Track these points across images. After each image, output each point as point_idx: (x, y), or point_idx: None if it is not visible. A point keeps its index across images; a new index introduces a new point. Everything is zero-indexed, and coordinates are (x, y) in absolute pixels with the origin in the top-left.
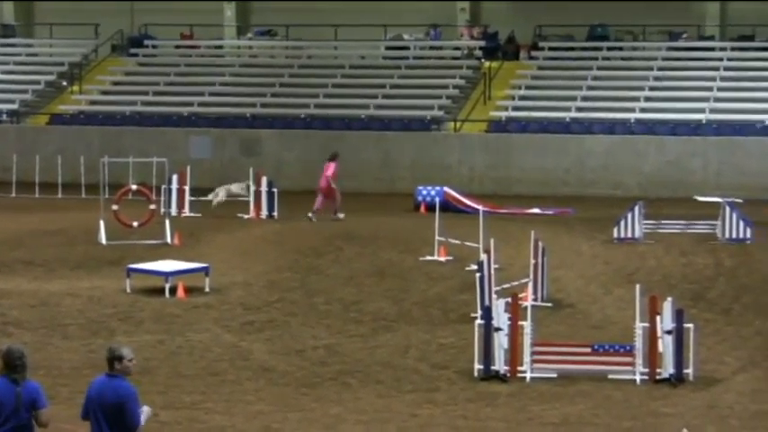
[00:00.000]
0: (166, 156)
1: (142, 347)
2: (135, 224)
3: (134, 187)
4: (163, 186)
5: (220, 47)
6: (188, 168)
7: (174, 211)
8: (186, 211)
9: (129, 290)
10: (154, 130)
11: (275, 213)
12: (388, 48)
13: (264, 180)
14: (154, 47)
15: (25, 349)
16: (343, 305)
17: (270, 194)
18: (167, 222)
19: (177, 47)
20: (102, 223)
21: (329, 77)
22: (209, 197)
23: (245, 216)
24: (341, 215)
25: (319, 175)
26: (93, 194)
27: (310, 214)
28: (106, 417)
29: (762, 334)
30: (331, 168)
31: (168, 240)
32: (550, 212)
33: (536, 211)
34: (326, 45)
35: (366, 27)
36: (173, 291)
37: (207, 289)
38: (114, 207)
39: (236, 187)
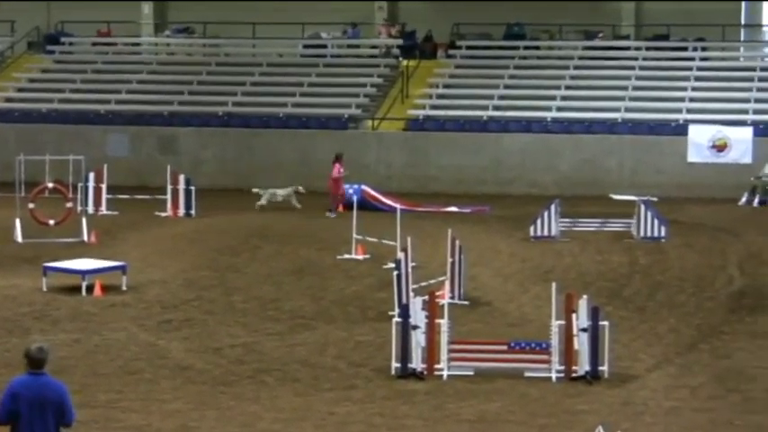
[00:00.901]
0: (83, 153)
1: (58, 346)
2: (51, 222)
3: (50, 185)
4: (80, 184)
5: (138, 44)
6: (105, 166)
7: (90, 209)
8: (103, 210)
9: (45, 288)
10: (71, 127)
11: (193, 211)
12: (305, 46)
13: (182, 178)
14: (71, 44)
15: None
16: (261, 303)
17: (187, 192)
18: (84, 220)
19: (94, 44)
20: (18, 221)
21: (247, 75)
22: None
23: (163, 214)
24: (332, 214)
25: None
26: (9, 192)
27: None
28: (47, 415)
29: (676, 331)
30: (334, 169)
31: (85, 238)
32: (467, 210)
33: (453, 209)
34: (244, 43)
35: (284, 25)
36: (89, 289)
37: (124, 287)
38: (30, 205)
39: (282, 192)
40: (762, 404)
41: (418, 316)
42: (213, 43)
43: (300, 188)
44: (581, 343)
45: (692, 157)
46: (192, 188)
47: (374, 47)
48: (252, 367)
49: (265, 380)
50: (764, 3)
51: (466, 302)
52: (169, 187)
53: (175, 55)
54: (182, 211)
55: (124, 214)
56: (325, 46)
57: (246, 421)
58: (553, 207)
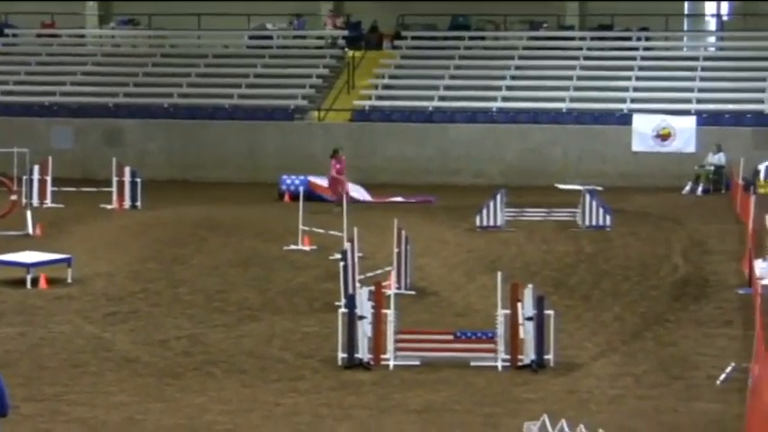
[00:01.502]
0: (28, 146)
1: (3, 340)
2: None
3: None
4: (24, 177)
5: (82, 36)
6: (50, 159)
7: (35, 201)
8: (48, 202)
9: None
10: (15, 119)
11: (138, 204)
12: (251, 37)
13: (127, 170)
14: (14, 36)
15: None
16: (207, 295)
17: (133, 184)
18: (29, 213)
19: (38, 36)
20: None
21: (192, 67)
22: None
23: (109, 207)
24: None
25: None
26: None
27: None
28: None
29: (620, 319)
30: (333, 168)
31: (30, 231)
32: (413, 200)
33: (399, 199)
34: (189, 34)
35: (229, 16)
36: (34, 282)
37: (69, 280)
38: None
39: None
40: (705, 391)
41: (364, 306)
42: (158, 35)
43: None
44: (526, 332)
45: (637, 146)
46: (138, 180)
47: (320, 38)
48: (198, 359)
49: (212, 371)
50: None
51: (412, 293)
52: (115, 179)
53: (120, 47)
54: (127, 204)
55: (69, 207)
56: (270, 37)
57: (193, 413)
58: (499, 197)
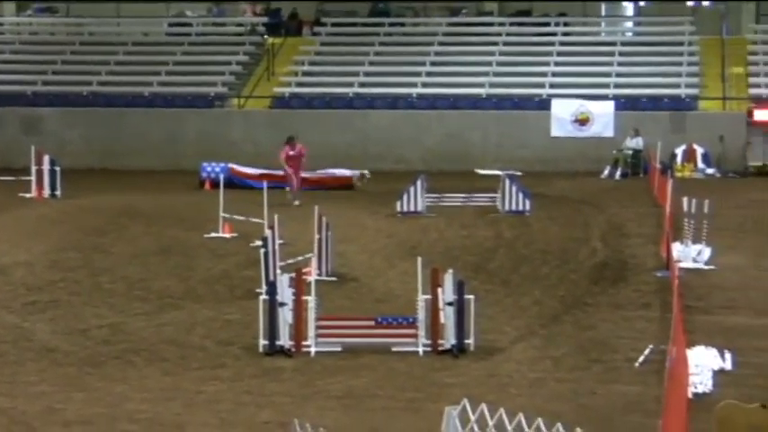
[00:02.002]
0: None
1: None
2: None
3: None
4: None
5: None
6: None
7: None
8: None
9: None
10: None
11: (58, 192)
12: (170, 24)
13: (47, 159)
14: None
15: None
16: (128, 284)
17: (52, 173)
18: None
19: None
20: None
21: (111, 54)
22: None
23: (28, 195)
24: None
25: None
26: None
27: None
28: None
29: (540, 303)
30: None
31: None
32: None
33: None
34: (108, 22)
35: (148, 3)
36: None
37: None
38: None
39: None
40: (624, 374)
41: (285, 293)
42: (77, 22)
43: (366, 173)
44: (447, 317)
45: (556, 131)
46: (57, 169)
47: (239, 25)
48: (119, 348)
49: (133, 360)
50: None
51: (333, 279)
52: (33, 168)
53: (38, 35)
54: (47, 192)
55: None
56: (190, 24)
57: (114, 402)
58: (419, 182)
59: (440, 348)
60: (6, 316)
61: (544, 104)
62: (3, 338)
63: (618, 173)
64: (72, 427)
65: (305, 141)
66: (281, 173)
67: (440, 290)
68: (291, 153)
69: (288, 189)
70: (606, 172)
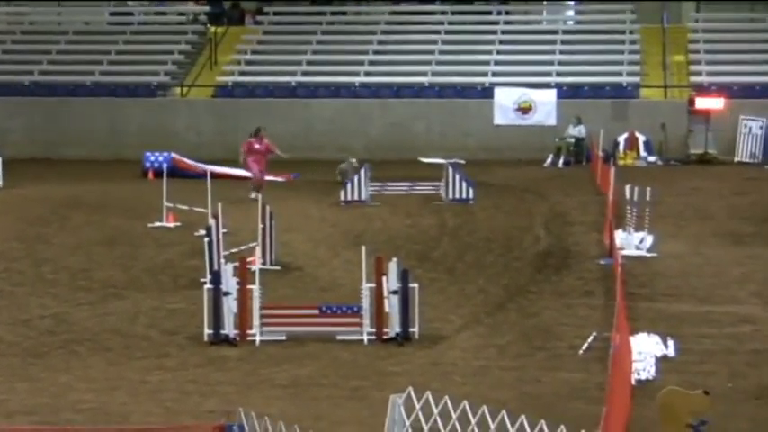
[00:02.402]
0: None
1: None
2: None
3: None
4: None
5: None
6: None
7: None
8: None
9: None
10: None
11: (0, 182)
12: (112, 13)
13: None
14: None
15: None
16: (71, 273)
17: None
18: None
19: None
20: None
21: (53, 44)
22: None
23: None
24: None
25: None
26: None
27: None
28: None
29: (484, 292)
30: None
31: None
32: (281, 179)
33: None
34: (49, 11)
35: None
36: None
37: None
38: None
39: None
40: (567, 361)
41: (230, 282)
42: (17, 11)
43: (353, 160)
44: (391, 305)
45: (499, 119)
46: (0, 159)
47: (181, 14)
48: (62, 338)
49: (77, 350)
50: None
51: (277, 268)
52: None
53: None
54: None
55: None
56: (132, 13)
57: (58, 392)
58: (363, 171)
59: (384, 337)
60: None
61: (487, 93)
62: None
63: (561, 161)
64: (16, 417)
65: (247, 131)
66: (223, 170)
67: (384, 278)
68: (257, 147)
69: (251, 181)
70: (549, 160)
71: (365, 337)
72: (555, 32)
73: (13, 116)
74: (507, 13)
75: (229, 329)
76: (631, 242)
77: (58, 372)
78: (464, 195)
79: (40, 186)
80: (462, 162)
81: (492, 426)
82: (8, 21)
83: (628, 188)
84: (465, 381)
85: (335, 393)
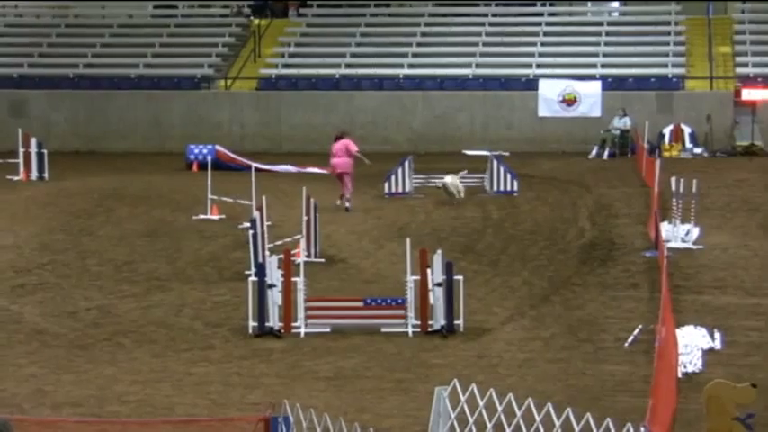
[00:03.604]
0: None
1: None
2: None
3: None
4: None
5: None
6: None
7: None
8: None
9: None
10: None
11: (45, 175)
12: (156, 6)
13: (33, 141)
14: None
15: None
16: (116, 266)
17: (39, 156)
18: None
19: None
20: None
21: (97, 37)
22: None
23: (15, 178)
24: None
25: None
26: None
27: (344, 203)
28: None
29: (529, 284)
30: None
31: None
32: (323, 172)
33: (315, 170)
34: (94, 4)
35: None
36: None
37: None
38: None
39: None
40: (613, 353)
41: (274, 275)
42: (62, 5)
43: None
44: (436, 297)
45: (543, 111)
46: (44, 151)
47: (225, 6)
48: (107, 330)
49: (121, 342)
50: None
51: (321, 260)
52: (21, 151)
53: (24, 17)
54: (34, 175)
55: None
56: (175, 6)
57: (103, 384)
58: (406, 164)
59: (429, 329)
60: None
61: (531, 85)
62: None
63: (606, 153)
64: (62, 409)
65: (290, 123)
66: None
67: (428, 270)
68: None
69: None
70: (594, 152)
71: (410, 330)
72: (600, 24)
73: (57, 109)
74: (552, 4)
75: (274, 322)
76: (677, 234)
77: (103, 364)
78: (508, 187)
79: (84, 179)
80: (506, 154)
81: (537, 418)
82: (53, 14)
83: (673, 180)
84: (510, 373)
85: (380, 386)
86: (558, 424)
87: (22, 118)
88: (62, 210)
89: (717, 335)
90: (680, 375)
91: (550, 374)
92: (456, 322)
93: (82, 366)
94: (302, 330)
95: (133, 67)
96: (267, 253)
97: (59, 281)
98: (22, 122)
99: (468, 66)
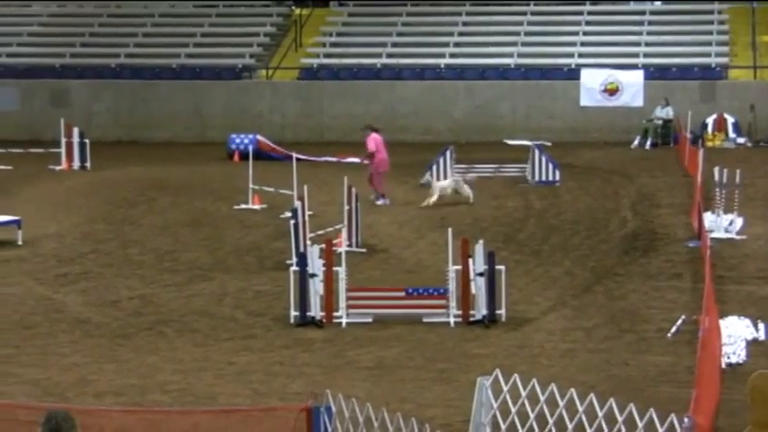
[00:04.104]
0: None
1: None
2: None
3: None
4: None
5: None
6: None
7: None
8: None
9: None
10: None
11: (87, 164)
12: None
13: (76, 131)
14: None
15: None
16: (158, 255)
17: (81, 145)
18: None
19: None
20: None
21: (139, 27)
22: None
23: (57, 168)
24: (380, 201)
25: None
26: None
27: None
28: None
29: (571, 274)
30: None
31: None
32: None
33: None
34: None
35: None
36: None
37: (19, 242)
38: None
39: (449, 183)
40: (656, 344)
41: (316, 264)
42: None
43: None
44: (477, 287)
45: (585, 101)
46: (86, 141)
47: None
48: (150, 319)
49: (164, 331)
50: None
51: (363, 250)
52: (63, 140)
53: (66, 7)
54: (76, 164)
55: (17, 168)
56: None
57: (146, 373)
58: (448, 153)
59: (470, 319)
60: (38, 288)
61: (573, 74)
62: (34, 310)
63: (647, 143)
64: (104, 397)
65: (331, 113)
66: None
67: (470, 260)
68: (380, 139)
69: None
70: (636, 142)
71: (451, 320)
72: (642, 12)
73: (99, 99)
74: None
75: (315, 311)
76: (720, 224)
77: (146, 353)
78: (550, 177)
79: (126, 168)
80: (548, 144)
81: (580, 409)
82: (95, 4)
83: (716, 170)
84: (552, 363)
85: (422, 376)
86: (600, 414)
87: (64, 108)
88: (104, 199)
89: (761, 326)
90: (723, 366)
91: (593, 365)
92: (498, 312)
93: (124, 355)
94: (344, 320)
95: (175, 57)
96: (308, 242)
97: (102, 270)
98: (65, 112)
99: (509, 55)
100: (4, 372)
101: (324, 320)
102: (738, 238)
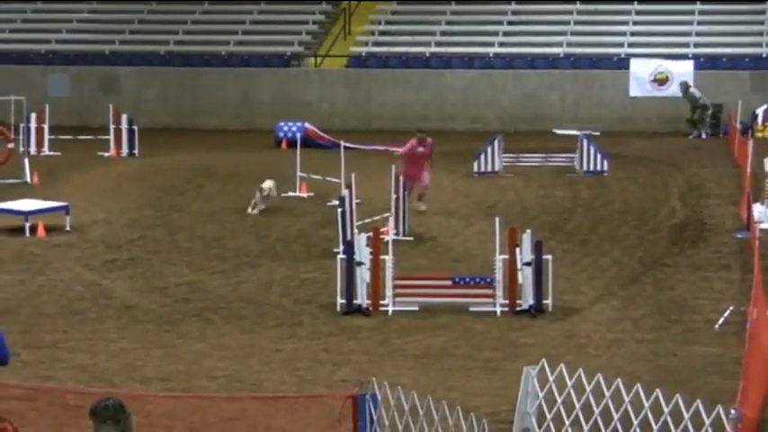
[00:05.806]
0: (24, 94)
1: (2, 287)
2: None
3: None
4: (21, 125)
5: None
6: (46, 107)
7: (32, 149)
8: (45, 150)
9: None
10: (11, 67)
11: (136, 151)
12: None
13: (124, 118)
14: None
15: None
16: (206, 242)
17: (130, 132)
18: (26, 161)
19: None
20: None
21: (188, 14)
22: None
23: (106, 154)
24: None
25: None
26: None
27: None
28: None
29: (618, 264)
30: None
31: (27, 179)
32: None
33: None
34: None
35: None
36: (33, 230)
37: (68, 228)
38: None
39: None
40: (703, 335)
41: (363, 252)
42: None
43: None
44: (525, 277)
45: (634, 90)
46: (135, 128)
47: None
48: (197, 306)
49: (211, 318)
50: None
51: (410, 238)
52: (111, 127)
53: None
54: (125, 151)
55: (66, 155)
56: None
57: (193, 359)
58: (496, 142)
59: (517, 308)
60: (86, 274)
61: (622, 64)
62: (83, 296)
63: (702, 132)
64: (151, 383)
65: (380, 101)
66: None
67: (517, 250)
68: (421, 150)
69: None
70: (695, 132)
71: (498, 309)
72: (693, 2)
73: (148, 86)
74: None
75: (362, 299)
76: None
77: (193, 339)
78: (598, 167)
79: (174, 155)
80: (596, 133)
81: (626, 399)
82: None
83: (766, 161)
84: (599, 353)
85: (468, 364)
86: (647, 405)
87: (113, 94)
88: (152, 186)
89: None
90: None
91: (640, 355)
92: (545, 302)
93: (171, 342)
94: (390, 308)
95: (223, 45)
96: (356, 231)
97: (149, 256)
98: (113, 99)
99: (558, 44)
100: (53, 357)
101: (370, 308)
102: None
